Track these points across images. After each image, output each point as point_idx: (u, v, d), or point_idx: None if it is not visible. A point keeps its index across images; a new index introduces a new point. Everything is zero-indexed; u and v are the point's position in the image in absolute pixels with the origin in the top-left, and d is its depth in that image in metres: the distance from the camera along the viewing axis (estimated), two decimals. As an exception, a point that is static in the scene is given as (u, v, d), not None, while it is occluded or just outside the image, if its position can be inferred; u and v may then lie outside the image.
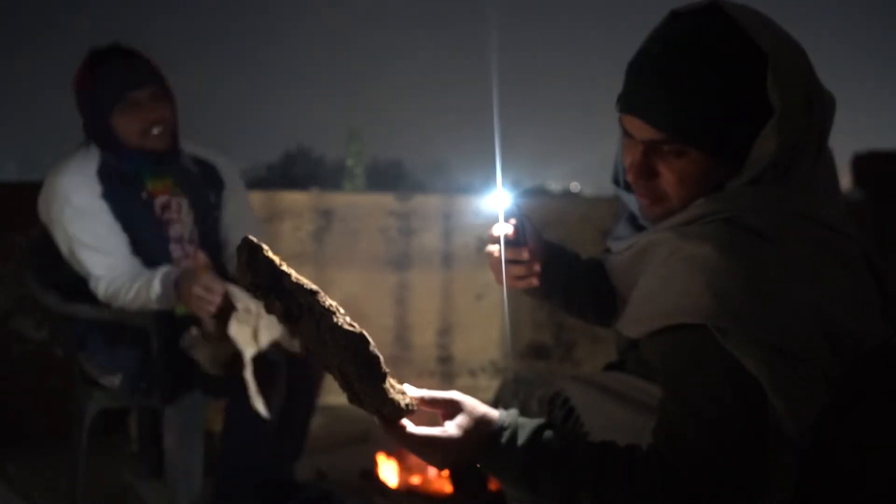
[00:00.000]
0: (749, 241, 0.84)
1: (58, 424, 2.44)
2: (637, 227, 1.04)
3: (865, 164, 3.39)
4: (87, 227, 1.67)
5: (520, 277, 1.09)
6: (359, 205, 3.03)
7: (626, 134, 0.93)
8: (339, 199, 3.03)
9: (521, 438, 0.87)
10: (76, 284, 1.80)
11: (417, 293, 3.06)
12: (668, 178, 0.90)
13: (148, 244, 1.77)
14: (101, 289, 1.70)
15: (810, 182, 0.90)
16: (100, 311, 1.77)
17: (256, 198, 2.91)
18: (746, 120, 0.85)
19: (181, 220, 1.83)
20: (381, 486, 2.02)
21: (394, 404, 0.85)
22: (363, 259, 3.00)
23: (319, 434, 2.45)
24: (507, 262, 1.07)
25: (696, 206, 0.90)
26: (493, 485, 1.96)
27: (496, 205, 1.04)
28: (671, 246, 0.89)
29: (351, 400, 0.87)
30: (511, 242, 1.05)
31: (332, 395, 2.95)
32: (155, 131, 1.71)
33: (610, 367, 1.23)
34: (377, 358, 0.84)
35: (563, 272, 1.16)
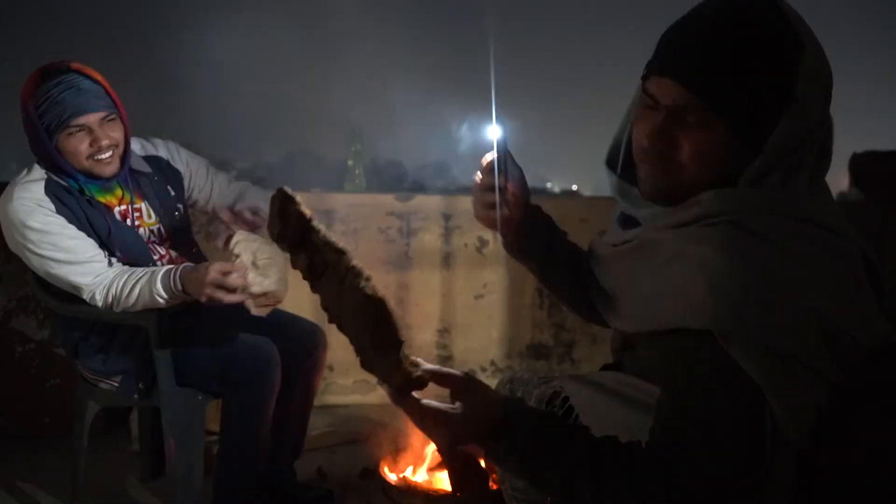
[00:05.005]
0: (753, 245, 0.84)
1: (59, 423, 2.45)
2: (628, 228, 1.04)
3: (863, 164, 3.40)
4: (55, 244, 1.63)
5: (496, 206, 1.12)
6: (359, 205, 3.03)
7: (649, 100, 0.92)
8: (339, 199, 3.03)
9: (527, 424, 0.88)
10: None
11: (417, 293, 3.07)
12: (686, 149, 0.89)
13: (119, 245, 1.73)
14: (98, 297, 1.66)
15: (814, 185, 0.90)
16: (100, 312, 1.77)
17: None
18: (772, 103, 0.86)
19: (144, 225, 1.81)
20: (382, 485, 2.02)
21: (405, 374, 0.84)
22: (363, 259, 2.97)
23: (319, 434, 2.46)
24: (485, 189, 1.12)
25: (699, 203, 0.90)
26: (494, 485, 1.97)
27: (488, 135, 1.10)
28: (674, 247, 0.89)
29: (363, 366, 0.85)
30: (491, 170, 1.09)
31: (333, 395, 2.97)
32: (103, 157, 1.68)
33: (607, 367, 1.24)
34: (395, 324, 0.83)
35: (544, 234, 1.19)
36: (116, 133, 1.70)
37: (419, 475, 2.08)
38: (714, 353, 0.81)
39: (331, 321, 0.84)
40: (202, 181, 1.99)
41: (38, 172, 1.69)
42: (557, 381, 1.15)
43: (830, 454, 0.87)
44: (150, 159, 1.88)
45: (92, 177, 1.70)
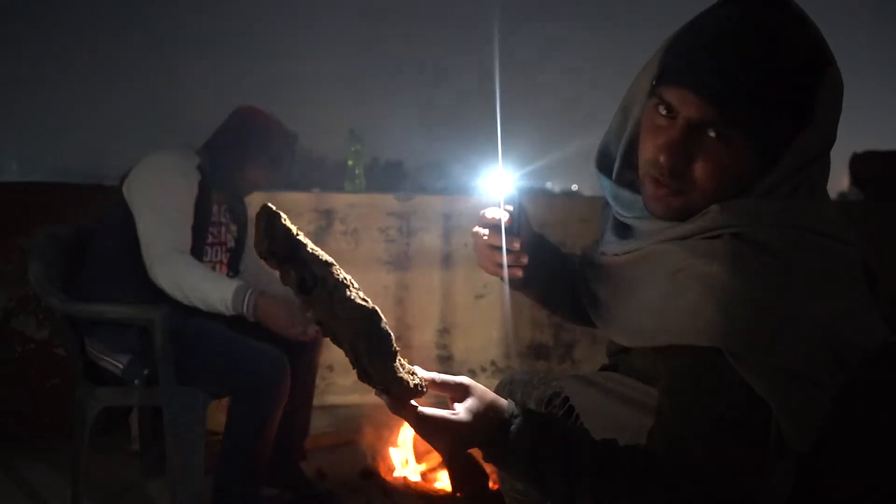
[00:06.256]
0: (759, 260, 0.83)
1: (59, 423, 2.45)
2: (623, 236, 1.03)
3: (864, 164, 3.40)
4: (184, 197, 1.86)
5: (506, 266, 1.07)
6: (359, 205, 3.03)
7: (662, 110, 0.89)
8: (339, 199, 3.03)
9: (532, 429, 0.88)
10: (80, 282, 1.82)
11: (417, 293, 3.07)
12: (703, 165, 0.87)
13: (196, 240, 1.90)
14: (162, 255, 1.79)
15: (816, 193, 0.90)
16: (102, 311, 1.78)
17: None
18: (792, 119, 0.84)
19: (228, 227, 2.06)
20: (382, 485, 2.02)
21: (403, 383, 0.84)
22: (363, 259, 3.01)
23: (319, 434, 2.46)
24: (495, 248, 1.05)
25: (704, 216, 0.89)
26: (494, 485, 1.97)
27: (496, 187, 1.02)
28: (679, 261, 0.88)
29: (360, 377, 0.84)
30: (505, 230, 1.03)
31: (333, 395, 2.97)
32: (253, 191, 2.12)
33: (605, 368, 1.24)
34: (388, 334, 0.82)
35: (544, 265, 1.16)
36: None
37: (419, 475, 2.08)
38: (721, 370, 0.81)
39: (325, 335, 0.84)
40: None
41: (195, 157, 1.94)
42: (557, 382, 1.15)
43: (830, 455, 0.87)
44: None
45: (235, 188, 2.07)
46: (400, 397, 0.85)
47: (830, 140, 0.89)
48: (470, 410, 0.87)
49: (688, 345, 0.83)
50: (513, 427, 0.88)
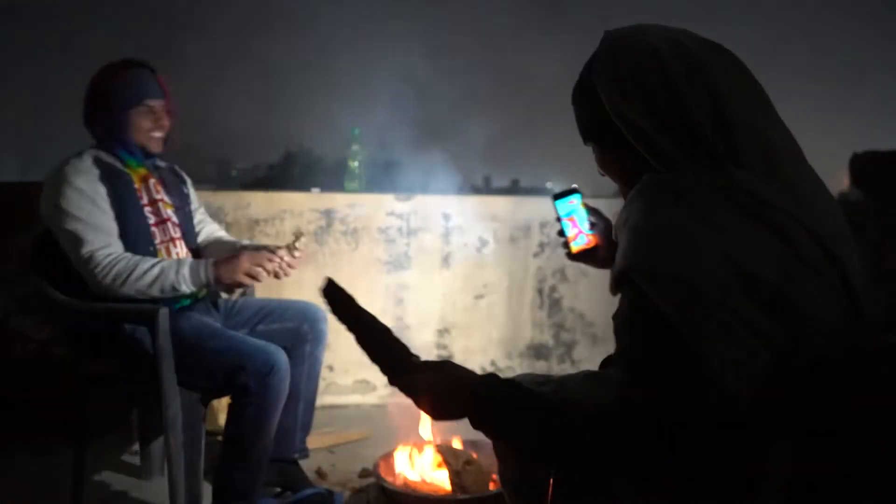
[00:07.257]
0: (664, 201, 0.92)
1: (59, 424, 2.45)
2: None
3: (863, 164, 3.40)
4: (83, 205, 1.80)
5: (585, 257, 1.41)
6: (359, 205, 3.04)
7: None
8: (339, 199, 3.04)
9: (497, 391, 0.95)
10: (81, 280, 1.83)
11: (417, 293, 3.07)
12: (605, 171, 1.11)
13: (133, 227, 1.87)
14: (101, 261, 1.76)
15: (736, 158, 0.92)
16: (102, 310, 1.78)
17: (257, 198, 2.92)
18: (606, 122, 1.00)
19: (167, 206, 1.98)
20: (382, 486, 2.02)
21: (396, 353, 1.00)
22: (363, 259, 3.01)
23: (319, 434, 2.46)
24: (570, 255, 1.40)
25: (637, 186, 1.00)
26: (494, 485, 1.97)
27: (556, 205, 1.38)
28: (623, 215, 1.01)
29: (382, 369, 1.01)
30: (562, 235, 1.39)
31: (333, 395, 2.97)
32: (157, 135, 1.96)
33: (607, 361, 1.25)
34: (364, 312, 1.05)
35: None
36: (169, 121, 2.00)
37: (418, 476, 2.08)
38: (634, 297, 0.88)
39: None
40: (195, 200, 2.19)
41: (88, 153, 1.90)
42: (558, 381, 1.16)
43: (832, 455, 0.87)
44: (165, 161, 2.10)
45: (140, 151, 1.95)
46: (394, 369, 0.98)
47: (636, 104, 0.95)
48: (451, 372, 0.98)
49: (615, 280, 0.92)
50: (487, 387, 0.95)
